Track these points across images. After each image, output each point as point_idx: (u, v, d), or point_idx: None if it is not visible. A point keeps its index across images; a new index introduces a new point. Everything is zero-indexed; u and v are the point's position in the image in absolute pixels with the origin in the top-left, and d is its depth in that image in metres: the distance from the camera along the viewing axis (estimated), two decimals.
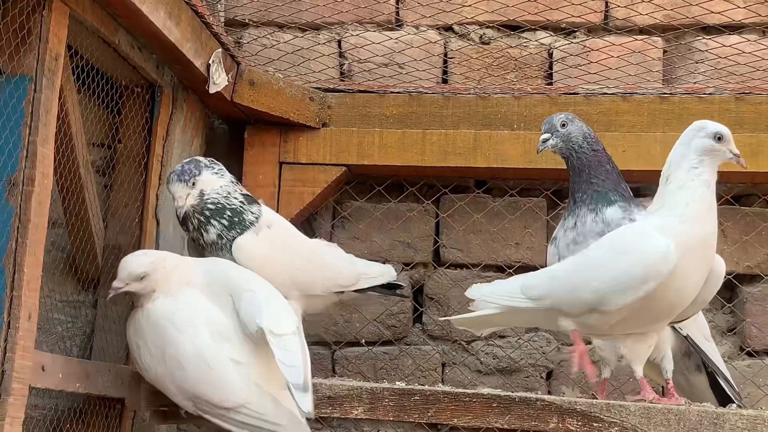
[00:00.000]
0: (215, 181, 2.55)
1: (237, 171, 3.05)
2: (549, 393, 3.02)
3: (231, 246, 2.50)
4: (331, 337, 3.17)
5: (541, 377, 3.09)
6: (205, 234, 2.52)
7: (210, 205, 2.51)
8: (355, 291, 2.71)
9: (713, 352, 2.51)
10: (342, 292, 2.69)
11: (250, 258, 2.49)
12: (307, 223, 3.21)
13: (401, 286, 2.84)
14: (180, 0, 2.51)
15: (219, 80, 2.81)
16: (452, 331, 3.13)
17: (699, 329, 2.48)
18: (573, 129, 2.54)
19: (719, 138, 2.29)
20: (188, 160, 2.56)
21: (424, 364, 3.13)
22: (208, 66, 2.76)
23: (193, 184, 2.50)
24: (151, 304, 2.31)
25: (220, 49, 2.80)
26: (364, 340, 3.14)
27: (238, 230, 2.52)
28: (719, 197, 3.01)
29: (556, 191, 3.13)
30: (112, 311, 2.72)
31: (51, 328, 2.73)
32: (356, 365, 3.15)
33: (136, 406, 2.36)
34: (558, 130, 2.54)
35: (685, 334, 2.44)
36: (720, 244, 3.01)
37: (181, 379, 2.22)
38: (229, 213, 2.52)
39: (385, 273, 2.77)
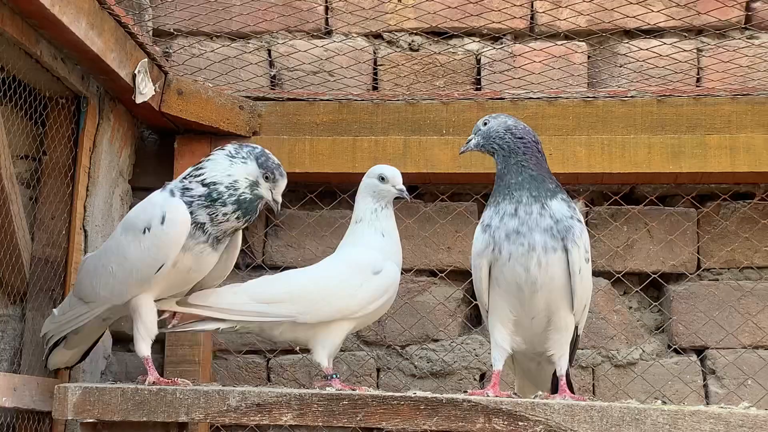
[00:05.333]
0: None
1: (168, 181, 3.05)
2: None
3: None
4: (265, 345, 3.16)
5: (475, 379, 3.12)
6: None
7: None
8: None
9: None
10: None
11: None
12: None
13: None
14: (102, 11, 2.49)
15: (145, 90, 2.80)
16: (386, 336, 3.15)
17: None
18: (494, 124, 2.50)
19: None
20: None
21: (359, 369, 3.14)
22: (134, 76, 2.75)
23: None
24: None
25: (146, 59, 2.79)
26: (298, 348, 3.13)
27: None
28: (644, 198, 3.10)
29: (486, 195, 3.16)
30: (39, 324, 2.69)
31: None
32: (291, 372, 3.15)
33: (62, 419, 2.33)
34: (480, 129, 2.53)
35: (579, 334, 2.49)
36: (646, 243, 3.11)
37: None
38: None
39: None
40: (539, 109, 3.04)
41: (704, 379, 3.07)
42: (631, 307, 3.15)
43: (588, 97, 3.03)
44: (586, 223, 3.11)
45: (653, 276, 3.08)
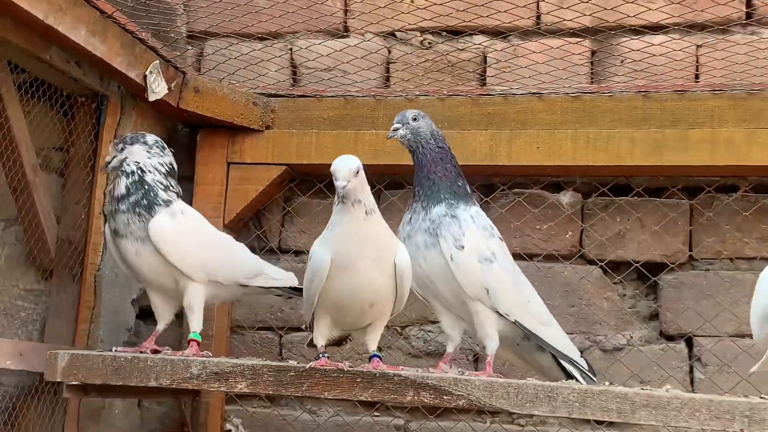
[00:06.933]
0: (142, 156, 2.75)
1: (193, 170, 3.35)
2: None
3: (147, 224, 2.70)
4: (277, 323, 3.43)
5: (468, 360, 3.30)
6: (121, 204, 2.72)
7: (126, 172, 2.73)
8: (258, 287, 2.96)
9: (550, 335, 2.65)
10: (246, 285, 2.92)
11: (163, 235, 2.70)
12: (256, 217, 3.48)
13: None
14: (104, 19, 2.77)
15: (158, 89, 3.08)
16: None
17: (532, 316, 2.63)
18: (423, 124, 2.70)
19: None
20: (141, 133, 2.82)
21: (360, 347, 3.35)
22: (145, 77, 3.03)
23: (121, 149, 2.76)
24: None
25: (158, 60, 3.07)
26: (304, 326, 3.37)
27: (150, 208, 2.71)
28: (631, 189, 3.20)
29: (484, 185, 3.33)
30: (62, 299, 3.03)
31: (15, 313, 3.06)
32: (299, 349, 3.40)
33: (52, 380, 2.62)
34: (409, 123, 2.69)
35: (513, 320, 2.60)
36: (638, 234, 3.20)
37: None
38: (145, 188, 2.72)
39: (287, 278, 3.00)
40: (529, 104, 3.17)
41: (690, 366, 3.15)
42: (625, 295, 3.25)
43: (574, 92, 3.15)
44: (580, 213, 3.25)
45: (636, 265, 3.17)
